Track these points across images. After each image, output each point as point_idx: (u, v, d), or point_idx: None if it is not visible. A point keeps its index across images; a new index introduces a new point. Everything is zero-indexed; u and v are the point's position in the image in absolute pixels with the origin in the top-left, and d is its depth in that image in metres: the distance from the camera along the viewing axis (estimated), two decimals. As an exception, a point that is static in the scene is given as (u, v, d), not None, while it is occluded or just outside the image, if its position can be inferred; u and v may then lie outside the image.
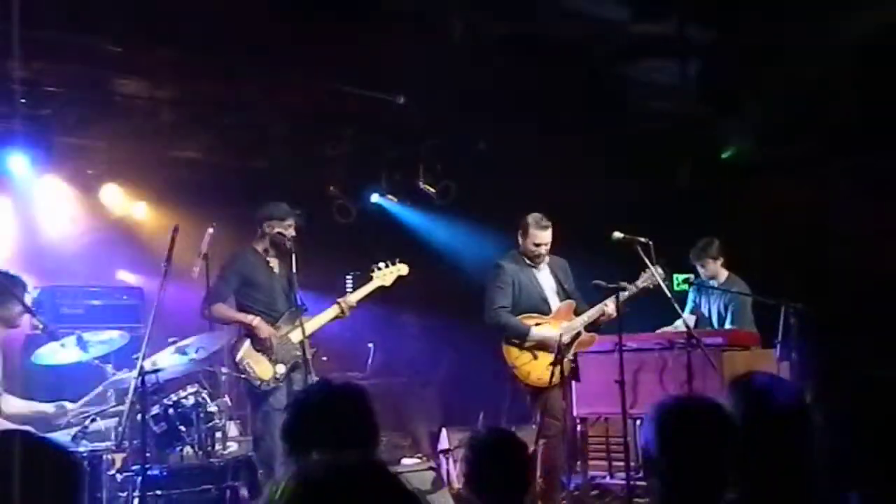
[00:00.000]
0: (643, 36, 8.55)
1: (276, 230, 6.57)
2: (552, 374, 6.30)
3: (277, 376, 6.34)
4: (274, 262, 6.66)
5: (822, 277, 8.09)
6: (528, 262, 6.78)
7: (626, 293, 6.52)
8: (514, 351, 6.51)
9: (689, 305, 7.79)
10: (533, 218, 6.79)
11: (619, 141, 8.72)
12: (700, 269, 7.67)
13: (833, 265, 8.36)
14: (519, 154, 9.53)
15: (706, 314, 7.76)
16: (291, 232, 6.59)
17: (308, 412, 2.97)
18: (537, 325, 6.52)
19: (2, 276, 5.69)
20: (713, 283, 7.63)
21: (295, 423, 2.99)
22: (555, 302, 6.71)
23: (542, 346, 6.48)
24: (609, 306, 6.56)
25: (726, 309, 7.66)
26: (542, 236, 6.74)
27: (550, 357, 6.39)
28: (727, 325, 7.51)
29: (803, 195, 8.98)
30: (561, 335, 6.38)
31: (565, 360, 6.44)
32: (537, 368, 6.45)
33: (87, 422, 5.54)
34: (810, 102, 8.38)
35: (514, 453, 3.41)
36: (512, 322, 6.54)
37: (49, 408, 5.85)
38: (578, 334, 6.59)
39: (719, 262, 7.65)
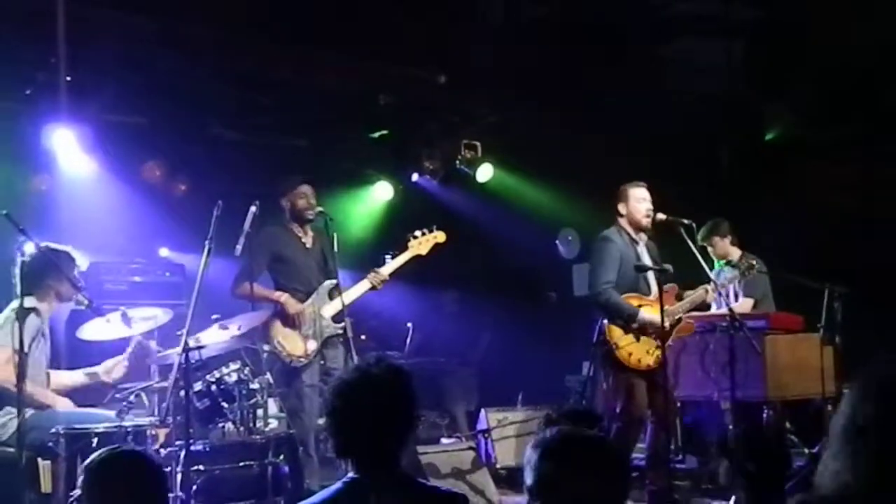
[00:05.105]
0: (686, 14, 8.47)
1: (291, 201, 6.54)
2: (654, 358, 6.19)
3: (309, 352, 6.33)
4: (307, 238, 6.63)
5: (866, 261, 7.99)
6: (632, 236, 6.47)
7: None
8: (618, 331, 6.24)
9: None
10: (629, 184, 6.47)
11: (662, 121, 8.63)
12: (709, 250, 7.56)
13: (877, 248, 8.25)
14: (559, 134, 9.48)
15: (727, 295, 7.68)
16: (305, 202, 6.51)
17: (351, 391, 2.97)
18: (640, 306, 6.27)
19: (49, 251, 5.65)
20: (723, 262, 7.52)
21: (337, 401, 2.99)
22: (654, 282, 6.37)
23: (646, 329, 6.24)
24: (708, 292, 6.48)
25: (740, 285, 7.60)
26: (647, 195, 6.45)
27: (651, 340, 6.21)
28: (741, 298, 7.38)
29: (848, 178, 8.86)
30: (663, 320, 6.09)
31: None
32: (639, 350, 6.24)
33: (132, 397, 5.60)
34: (856, 84, 8.25)
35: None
36: (620, 302, 6.24)
37: (83, 377, 5.90)
38: (679, 320, 6.36)
39: (727, 240, 7.54)
